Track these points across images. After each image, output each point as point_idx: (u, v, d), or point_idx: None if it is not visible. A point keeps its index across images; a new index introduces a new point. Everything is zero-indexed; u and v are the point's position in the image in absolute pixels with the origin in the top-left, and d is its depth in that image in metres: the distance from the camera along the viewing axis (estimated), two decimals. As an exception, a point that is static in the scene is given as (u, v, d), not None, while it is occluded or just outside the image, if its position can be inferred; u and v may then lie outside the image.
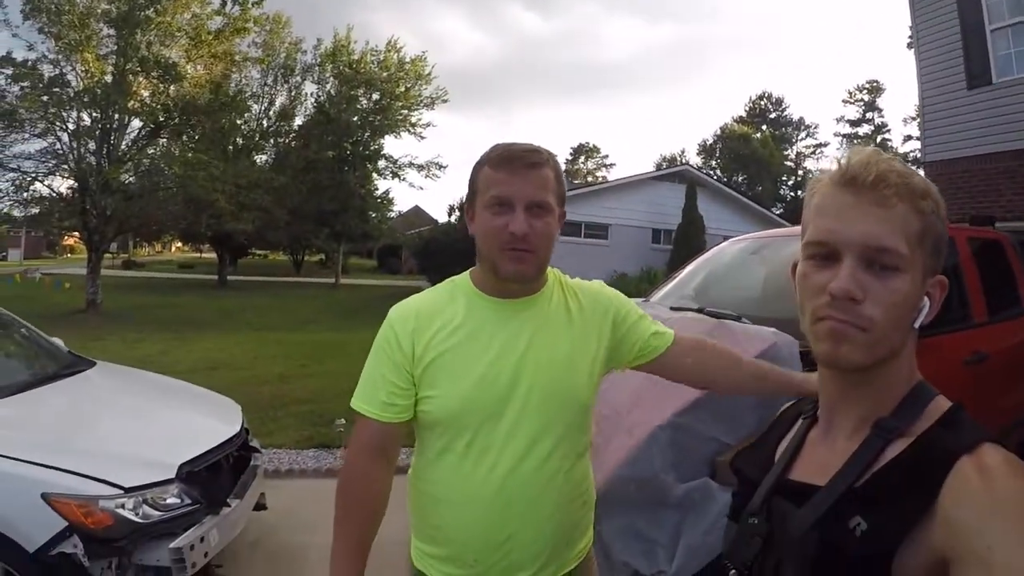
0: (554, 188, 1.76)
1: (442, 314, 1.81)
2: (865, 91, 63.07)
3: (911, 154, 45.10)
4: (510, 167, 1.72)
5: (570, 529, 1.87)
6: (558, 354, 1.81)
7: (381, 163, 35.19)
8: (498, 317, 1.81)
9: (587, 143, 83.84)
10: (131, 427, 4.51)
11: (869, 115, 62.93)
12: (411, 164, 35.17)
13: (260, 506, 4.75)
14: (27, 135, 19.60)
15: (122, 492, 3.50)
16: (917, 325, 1.08)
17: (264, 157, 32.93)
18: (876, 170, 1.03)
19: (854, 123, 63.36)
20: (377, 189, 36.56)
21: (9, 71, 18.92)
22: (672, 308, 4.96)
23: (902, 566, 0.94)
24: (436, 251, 28.82)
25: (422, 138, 35.78)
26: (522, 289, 1.82)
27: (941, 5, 12.68)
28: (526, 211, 1.69)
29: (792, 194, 59.85)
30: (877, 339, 1.03)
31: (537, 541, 1.79)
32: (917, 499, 0.94)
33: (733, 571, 1.16)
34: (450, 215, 36.59)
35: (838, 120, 65.63)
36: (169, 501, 3.69)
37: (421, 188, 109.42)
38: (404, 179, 35.79)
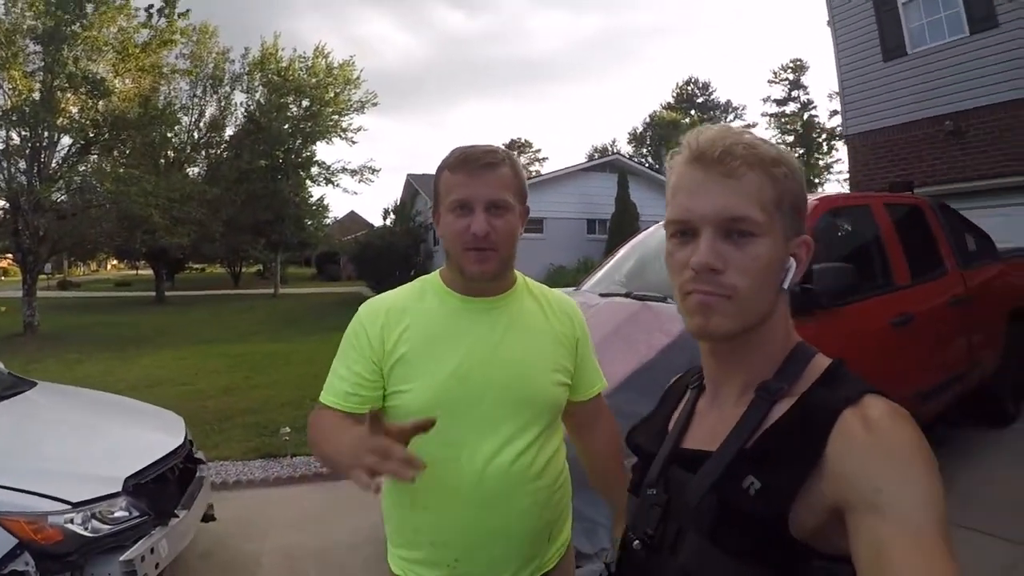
0: (513, 186, 1.81)
1: (412, 311, 1.85)
2: (789, 70, 63.26)
3: (838, 128, 45.84)
4: (467, 169, 1.76)
5: (549, 525, 1.90)
6: (528, 354, 1.87)
7: (314, 170, 34.99)
8: (468, 315, 1.85)
9: (519, 138, 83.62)
10: (75, 443, 4.52)
11: (795, 93, 63.16)
12: (344, 169, 35.19)
13: (209, 517, 4.79)
14: (-46, 156, 19.17)
15: (70, 507, 3.54)
16: (785, 286, 1.11)
17: (196, 169, 32.44)
18: (722, 144, 1.06)
19: (780, 102, 63.54)
20: (311, 196, 36.36)
21: (-66, 92, 18.45)
22: (601, 295, 5.15)
23: (799, 520, 0.96)
24: (373, 255, 28.80)
25: (354, 143, 35.86)
26: (491, 288, 1.87)
27: (854, -20, 13.08)
28: (486, 211, 1.74)
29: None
30: (743, 306, 1.06)
31: (516, 538, 1.82)
32: (805, 454, 0.97)
33: (636, 541, 1.18)
34: (385, 218, 36.49)
35: (765, 100, 65.83)
36: (117, 514, 3.73)
37: (355, 193, 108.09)
38: (338, 185, 35.78)
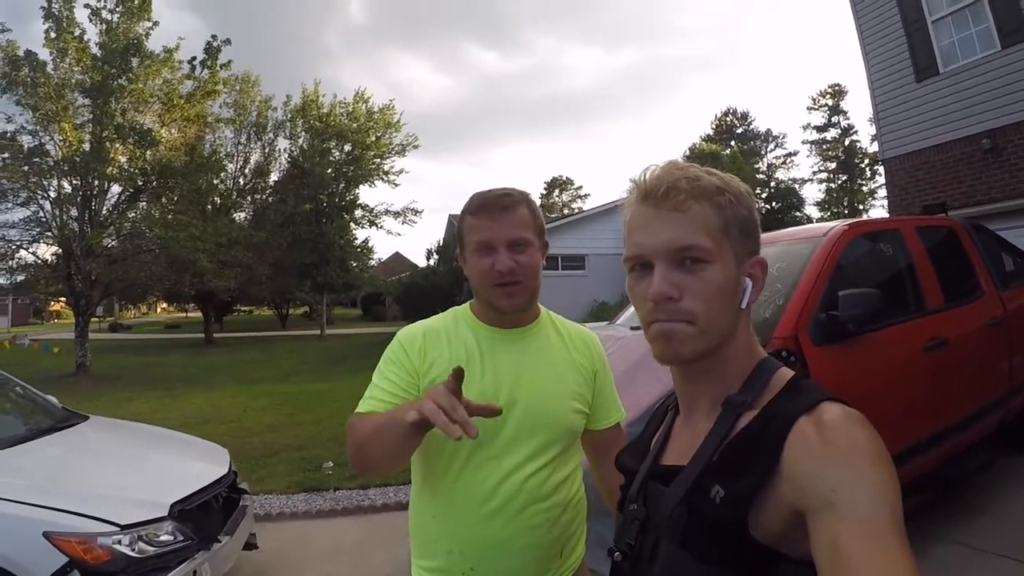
0: (531, 224, 1.93)
1: (446, 337, 1.97)
2: (828, 96, 62.46)
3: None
4: (487, 212, 1.89)
5: (560, 542, 1.95)
6: (549, 382, 1.97)
7: (358, 212, 35.65)
8: (496, 344, 1.97)
9: (561, 176, 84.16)
10: (125, 471, 4.74)
11: (835, 119, 62.26)
12: (387, 212, 35.66)
13: (251, 545, 4.96)
14: (10, 204, 19.90)
15: (119, 529, 3.71)
16: (744, 306, 1.15)
17: (243, 214, 33.31)
18: (667, 181, 1.12)
19: (820, 128, 62.78)
20: (356, 238, 36.94)
21: (-11, 144, 19.09)
22: (632, 328, 5.21)
23: (763, 525, 1.00)
24: (418, 295, 28.89)
25: (396, 185, 36.14)
26: (518, 320, 2.00)
27: (881, 3, 12.98)
28: (508, 249, 1.87)
29: (767, 206, 58.16)
30: (704, 328, 1.10)
31: (528, 551, 1.88)
32: (763, 460, 1.00)
33: (617, 553, 1.23)
34: (428, 259, 36.74)
35: (805, 127, 64.80)
36: (163, 537, 3.90)
37: (399, 235, 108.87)
38: (381, 227, 36.22)
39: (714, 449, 1.10)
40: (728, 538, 1.02)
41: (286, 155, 34.80)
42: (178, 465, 5.08)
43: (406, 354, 1.95)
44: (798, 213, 56.37)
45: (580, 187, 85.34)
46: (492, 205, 1.91)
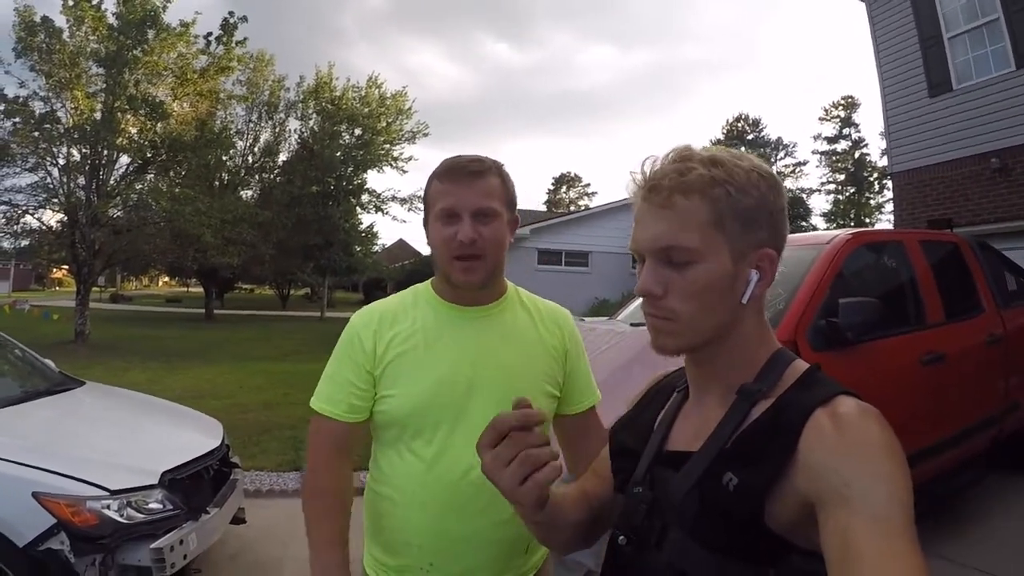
0: (500, 195, 1.81)
1: (403, 318, 1.86)
2: (841, 107, 62.09)
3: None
4: (454, 178, 1.78)
5: (527, 538, 1.83)
6: (517, 363, 1.85)
7: (364, 197, 35.53)
8: (458, 323, 1.85)
9: (569, 172, 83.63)
10: (117, 437, 4.75)
11: (846, 131, 61.92)
12: (394, 198, 35.62)
13: (239, 519, 4.96)
14: (18, 169, 19.92)
15: (108, 494, 3.75)
16: (744, 300, 1.12)
17: (249, 192, 33.25)
18: (655, 177, 1.11)
19: (831, 140, 62.49)
20: (361, 223, 36.88)
21: (1, 107, 19.19)
22: (632, 324, 5.21)
23: (774, 515, 0.99)
24: (420, 282, 28.95)
25: (404, 172, 36.06)
26: (481, 297, 1.87)
27: (898, 17, 12.97)
28: (473, 218, 1.74)
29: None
30: (685, 326, 1.11)
31: (493, 547, 1.80)
32: (779, 450, 1.00)
33: (621, 537, 1.20)
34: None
35: (816, 138, 64.45)
36: (151, 505, 3.93)
37: (404, 221, 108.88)
38: (387, 213, 36.19)
39: (728, 436, 1.09)
40: (741, 527, 1.01)
41: (296, 136, 34.77)
42: (171, 434, 5.11)
43: (360, 342, 1.87)
44: (804, 223, 56.27)
45: (587, 184, 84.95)
46: (460, 170, 1.81)
